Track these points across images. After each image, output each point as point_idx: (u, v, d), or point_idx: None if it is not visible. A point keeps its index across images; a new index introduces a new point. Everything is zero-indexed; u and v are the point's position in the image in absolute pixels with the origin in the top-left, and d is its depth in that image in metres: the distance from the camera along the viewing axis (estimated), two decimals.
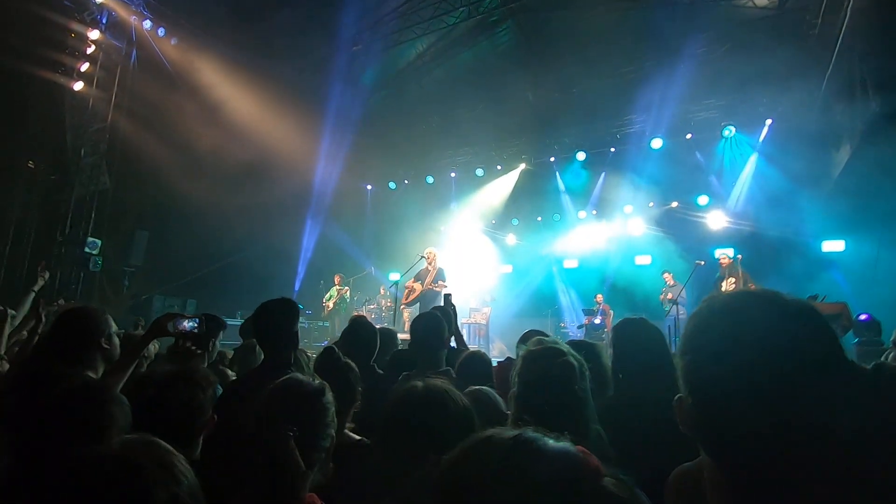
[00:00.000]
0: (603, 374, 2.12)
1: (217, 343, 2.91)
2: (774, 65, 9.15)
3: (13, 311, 4.14)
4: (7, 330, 3.93)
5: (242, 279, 11.59)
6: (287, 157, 11.60)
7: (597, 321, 10.90)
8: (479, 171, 13.81)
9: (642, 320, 2.47)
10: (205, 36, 10.69)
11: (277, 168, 11.54)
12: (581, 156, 12.45)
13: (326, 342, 3.72)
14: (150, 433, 1.60)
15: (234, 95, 10.96)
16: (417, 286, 8.54)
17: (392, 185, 15.04)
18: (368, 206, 15.68)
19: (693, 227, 11.42)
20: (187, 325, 2.21)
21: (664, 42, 9.70)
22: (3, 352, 3.74)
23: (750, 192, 11.02)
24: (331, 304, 11.43)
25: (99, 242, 10.10)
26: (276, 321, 2.32)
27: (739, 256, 8.39)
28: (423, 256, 8.66)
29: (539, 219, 14.01)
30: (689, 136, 11.31)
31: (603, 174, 12.77)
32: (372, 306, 11.97)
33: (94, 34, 9.97)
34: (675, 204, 11.83)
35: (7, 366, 3.19)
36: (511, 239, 14.23)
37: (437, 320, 2.79)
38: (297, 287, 13.62)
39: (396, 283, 8.94)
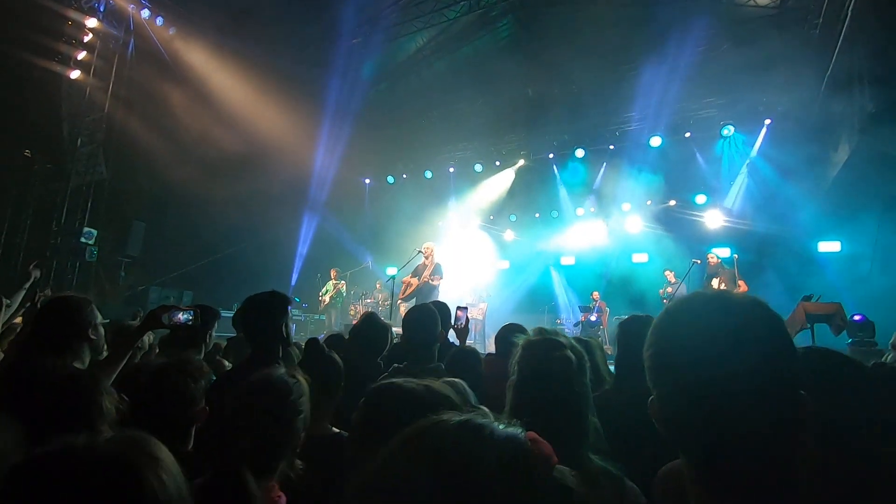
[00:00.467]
0: (595, 371, 2.12)
1: (213, 333, 2.90)
2: (774, 64, 9.15)
3: (8, 301, 4.13)
4: (2, 319, 3.92)
5: (239, 271, 11.59)
6: (285, 150, 11.56)
7: (593, 318, 10.92)
8: (478, 167, 13.79)
9: (648, 318, 2.48)
10: (203, 26, 10.61)
11: (275, 160, 11.50)
12: (580, 152, 12.42)
13: (322, 336, 3.68)
14: (142, 424, 1.60)
15: (232, 87, 10.90)
16: (414, 281, 8.53)
17: (390, 179, 15.01)
18: (367, 200, 15.65)
19: (690, 226, 11.45)
20: (182, 317, 2.20)
21: (664, 40, 9.68)
22: None
23: (747, 191, 11.03)
24: (327, 299, 11.42)
25: (95, 233, 10.06)
26: (262, 314, 2.31)
27: (736, 256, 8.41)
28: (420, 251, 8.65)
29: (537, 215, 14.01)
30: (687, 134, 11.31)
31: (601, 171, 12.76)
32: (368, 300, 11.97)
33: (92, 22, 9.89)
34: (672, 202, 11.85)
35: (2, 355, 3.18)
36: (509, 235, 14.24)
37: (431, 313, 2.75)
38: (293, 280, 13.61)
39: (393, 277, 8.94)
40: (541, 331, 1.60)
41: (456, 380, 2.07)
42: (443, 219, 14.62)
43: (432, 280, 8.23)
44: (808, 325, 6.14)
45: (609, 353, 4.51)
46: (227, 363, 3.39)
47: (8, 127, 9.55)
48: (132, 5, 10.16)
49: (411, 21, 10.77)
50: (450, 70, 12.42)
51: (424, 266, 8.50)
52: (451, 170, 14.40)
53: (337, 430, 1.89)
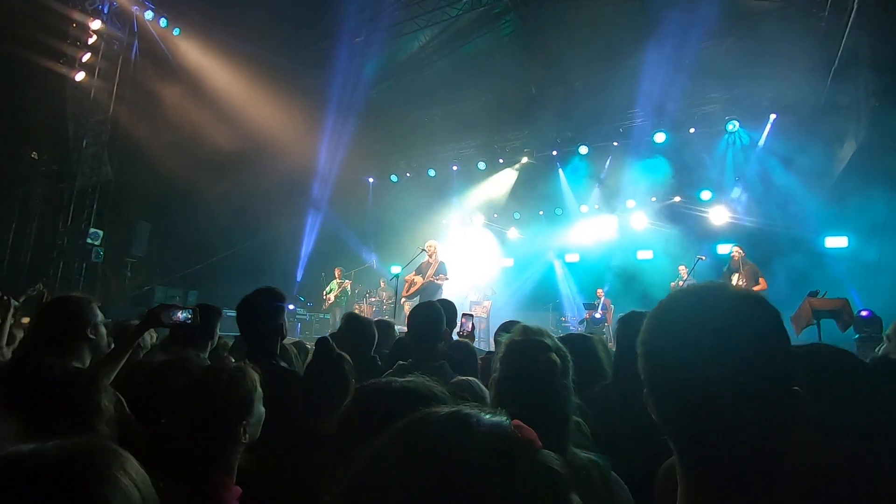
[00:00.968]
0: (597, 366, 2.12)
1: (217, 331, 2.91)
2: (780, 59, 9.07)
3: (17, 302, 4.17)
4: (9, 320, 3.96)
5: (244, 270, 11.62)
6: (289, 150, 11.59)
7: (598, 315, 10.90)
8: (482, 165, 13.76)
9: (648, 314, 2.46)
10: (206, 26, 10.64)
11: (279, 160, 11.53)
12: (584, 149, 12.37)
13: (327, 334, 3.70)
14: (142, 422, 1.60)
15: (234, 87, 10.93)
16: (418, 279, 8.54)
17: (394, 177, 15.01)
18: (370, 198, 15.67)
19: (696, 222, 11.39)
20: (181, 315, 2.20)
21: (668, 35, 9.61)
22: (5, 342, 3.77)
23: (753, 187, 10.96)
24: (332, 297, 11.45)
25: (101, 233, 10.12)
26: (256, 313, 2.32)
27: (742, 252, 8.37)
28: (423, 249, 8.65)
29: (541, 212, 13.99)
30: (692, 130, 11.24)
31: (605, 168, 12.72)
32: (373, 299, 11.99)
33: (96, 24, 9.94)
34: (677, 198, 11.79)
35: (10, 355, 3.20)
36: (513, 232, 14.22)
37: (436, 311, 2.75)
38: (298, 279, 13.65)
39: (397, 276, 8.94)
40: (525, 330, 1.61)
41: (469, 378, 2.07)
42: (446, 217, 14.62)
43: (437, 279, 8.24)
44: (815, 322, 6.10)
45: (613, 349, 4.49)
46: (232, 360, 3.40)
47: (14, 128, 9.62)
48: (136, 7, 10.19)
49: (413, 19, 10.75)
50: (452, 68, 12.39)
51: (428, 264, 8.50)
52: (455, 168, 14.39)
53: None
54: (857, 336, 5.99)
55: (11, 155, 9.95)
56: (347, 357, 2.02)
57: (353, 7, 10.15)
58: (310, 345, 3.39)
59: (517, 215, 14.29)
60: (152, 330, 3.18)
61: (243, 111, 11.01)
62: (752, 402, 0.72)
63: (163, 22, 10.46)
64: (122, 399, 1.40)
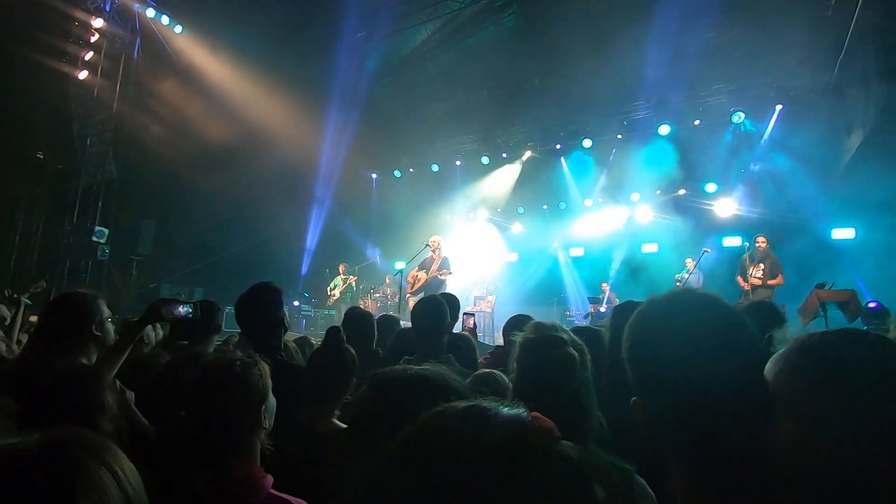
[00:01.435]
0: (603, 361, 2.10)
1: (221, 325, 2.92)
2: (786, 48, 8.96)
3: (28, 300, 4.21)
4: (20, 317, 4.00)
5: (249, 267, 11.66)
6: (291, 146, 11.59)
7: (602, 309, 10.87)
8: (485, 159, 13.71)
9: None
10: (208, 23, 10.63)
11: (282, 157, 11.54)
12: (587, 143, 12.30)
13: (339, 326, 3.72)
14: (158, 416, 1.60)
15: (238, 84, 10.93)
16: (422, 275, 8.53)
17: (397, 173, 14.98)
18: (374, 194, 15.66)
19: (701, 215, 11.31)
20: (182, 310, 2.21)
21: (673, 26, 9.52)
22: (16, 337, 3.81)
23: (759, 178, 10.86)
24: (336, 293, 11.47)
25: (106, 231, 10.18)
26: (255, 309, 2.32)
27: (747, 244, 8.32)
28: (427, 244, 8.64)
29: (545, 207, 13.93)
30: (697, 122, 11.13)
31: (610, 161, 12.64)
32: (378, 295, 12.01)
33: (98, 22, 9.95)
34: (682, 191, 11.70)
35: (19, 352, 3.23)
36: (517, 227, 14.18)
37: (439, 305, 2.74)
38: (302, 275, 13.69)
39: (401, 271, 8.95)
40: (538, 327, 1.59)
41: (494, 371, 2.07)
42: (450, 212, 14.59)
43: (440, 274, 8.23)
44: (822, 313, 6.06)
45: None
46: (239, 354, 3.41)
47: (18, 128, 9.66)
48: (138, 4, 10.20)
49: (415, 13, 10.70)
50: (455, 62, 12.33)
51: (432, 259, 8.49)
52: (458, 163, 14.34)
53: (344, 426, 1.88)
54: (864, 328, 5.95)
55: (17, 155, 10.00)
56: (352, 351, 2.02)
57: (354, 2, 10.12)
58: (315, 340, 3.40)
59: (521, 210, 14.25)
60: (158, 325, 3.21)
61: (246, 108, 11.01)
62: (749, 401, 0.76)
63: (165, 19, 10.46)
64: (128, 394, 1.40)
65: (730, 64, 9.96)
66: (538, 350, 1.48)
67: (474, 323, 3.66)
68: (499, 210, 14.45)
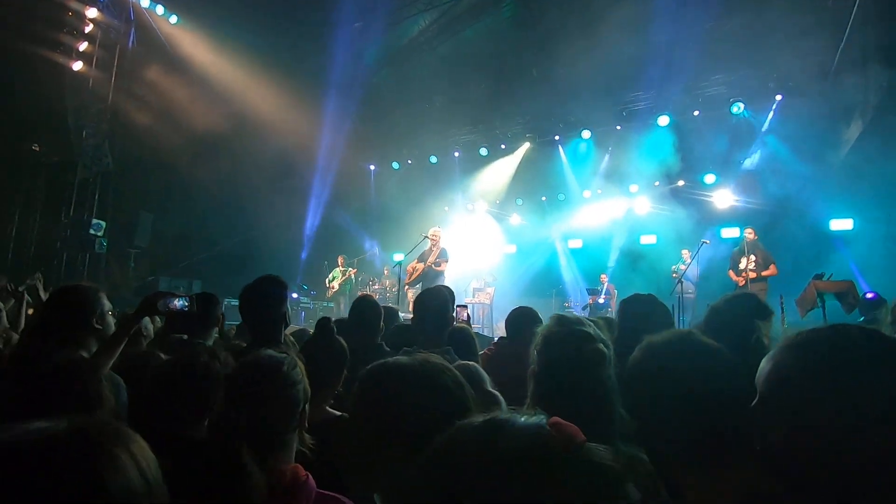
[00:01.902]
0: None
1: (220, 318, 2.91)
2: (786, 39, 8.91)
3: (29, 298, 4.21)
4: (23, 312, 4.00)
5: (247, 259, 11.65)
6: (289, 138, 11.53)
7: (601, 301, 10.90)
8: (483, 151, 13.66)
9: (651, 297, 2.47)
10: (204, 13, 10.52)
11: (280, 148, 11.48)
12: (586, 134, 12.25)
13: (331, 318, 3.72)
14: (154, 410, 1.60)
15: (234, 75, 10.85)
16: (420, 266, 8.53)
17: (395, 165, 14.92)
18: (372, 186, 15.60)
19: (700, 206, 11.30)
20: (178, 303, 2.19)
21: (671, 16, 9.45)
22: (20, 330, 3.82)
23: (757, 169, 10.85)
24: (335, 285, 11.47)
25: (103, 224, 10.14)
26: (259, 301, 2.31)
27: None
28: (426, 236, 8.63)
29: (543, 198, 13.91)
30: (696, 112, 11.09)
31: (608, 152, 12.59)
32: (376, 286, 12.01)
33: (92, 13, 9.85)
34: (681, 182, 11.68)
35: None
36: (515, 219, 14.16)
37: (442, 296, 2.74)
38: (300, 267, 13.67)
39: (400, 263, 8.94)
40: (561, 319, 1.56)
41: (469, 363, 2.07)
42: (449, 204, 14.55)
43: (437, 265, 8.23)
44: (820, 304, 6.07)
45: None
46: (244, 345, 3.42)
47: (14, 121, 9.58)
48: None
49: (412, 3, 10.60)
50: (453, 53, 12.24)
51: (430, 251, 8.49)
52: (457, 154, 14.28)
53: (339, 413, 1.89)
54: (861, 318, 5.97)
55: (12, 147, 9.93)
56: (342, 341, 2.03)
57: None
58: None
59: (519, 201, 14.22)
60: (157, 318, 3.20)
61: (242, 99, 10.94)
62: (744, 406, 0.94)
63: (160, 9, 10.35)
64: (124, 386, 1.39)
65: (729, 54, 9.90)
66: (567, 344, 1.45)
67: (468, 315, 3.68)
68: (497, 202, 14.42)
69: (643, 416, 1.17)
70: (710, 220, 10.81)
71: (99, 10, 9.89)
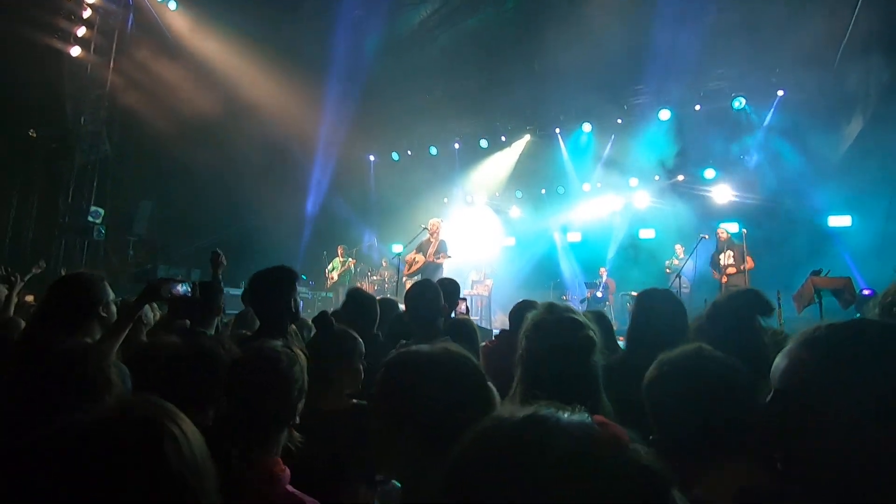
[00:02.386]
0: (612, 343, 2.13)
1: (221, 306, 2.91)
2: (788, 34, 8.87)
3: (23, 281, 4.22)
4: (14, 297, 4.01)
5: (246, 249, 11.62)
6: (288, 127, 11.47)
7: (599, 294, 10.93)
8: (484, 143, 13.61)
9: (667, 292, 2.50)
10: (204, 1, 10.41)
11: (279, 137, 11.42)
12: (587, 127, 12.21)
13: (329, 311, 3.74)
14: (160, 395, 1.61)
15: (233, 61, 10.76)
16: (419, 258, 8.53)
17: (395, 156, 14.86)
18: (371, 177, 15.56)
19: (699, 201, 11.30)
20: (180, 289, 2.21)
21: (674, 11, 9.39)
22: (11, 313, 3.83)
23: (757, 165, 10.84)
24: (334, 276, 11.47)
25: (102, 211, 10.10)
26: (270, 290, 2.32)
27: (744, 231, 8.35)
28: (425, 228, 8.62)
29: (543, 191, 13.89)
30: (697, 107, 11.05)
31: (609, 146, 12.56)
32: (375, 278, 12.02)
33: None
34: (681, 177, 11.67)
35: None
36: (514, 211, 14.15)
37: (432, 287, 2.76)
38: (300, 257, 13.66)
39: (399, 254, 8.94)
40: (551, 307, 1.57)
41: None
42: (448, 196, 14.52)
43: (437, 258, 8.23)
44: (817, 300, 6.10)
45: (616, 328, 4.52)
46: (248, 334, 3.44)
47: (11, 107, 9.51)
48: None
49: None
50: (454, 44, 12.15)
51: (429, 243, 8.48)
52: (457, 146, 14.23)
53: (356, 402, 1.89)
54: (858, 315, 6.00)
55: (10, 133, 9.87)
56: (352, 333, 2.03)
57: None
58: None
59: (519, 194, 14.20)
60: (155, 305, 3.21)
61: (242, 86, 10.87)
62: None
63: None
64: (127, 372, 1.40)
65: (731, 48, 9.85)
66: (558, 331, 1.46)
67: (466, 307, 3.70)
68: (497, 194, 14.40)
69: (660, 423, 1.25)
70: (709, 215, 10.81)
71: None
